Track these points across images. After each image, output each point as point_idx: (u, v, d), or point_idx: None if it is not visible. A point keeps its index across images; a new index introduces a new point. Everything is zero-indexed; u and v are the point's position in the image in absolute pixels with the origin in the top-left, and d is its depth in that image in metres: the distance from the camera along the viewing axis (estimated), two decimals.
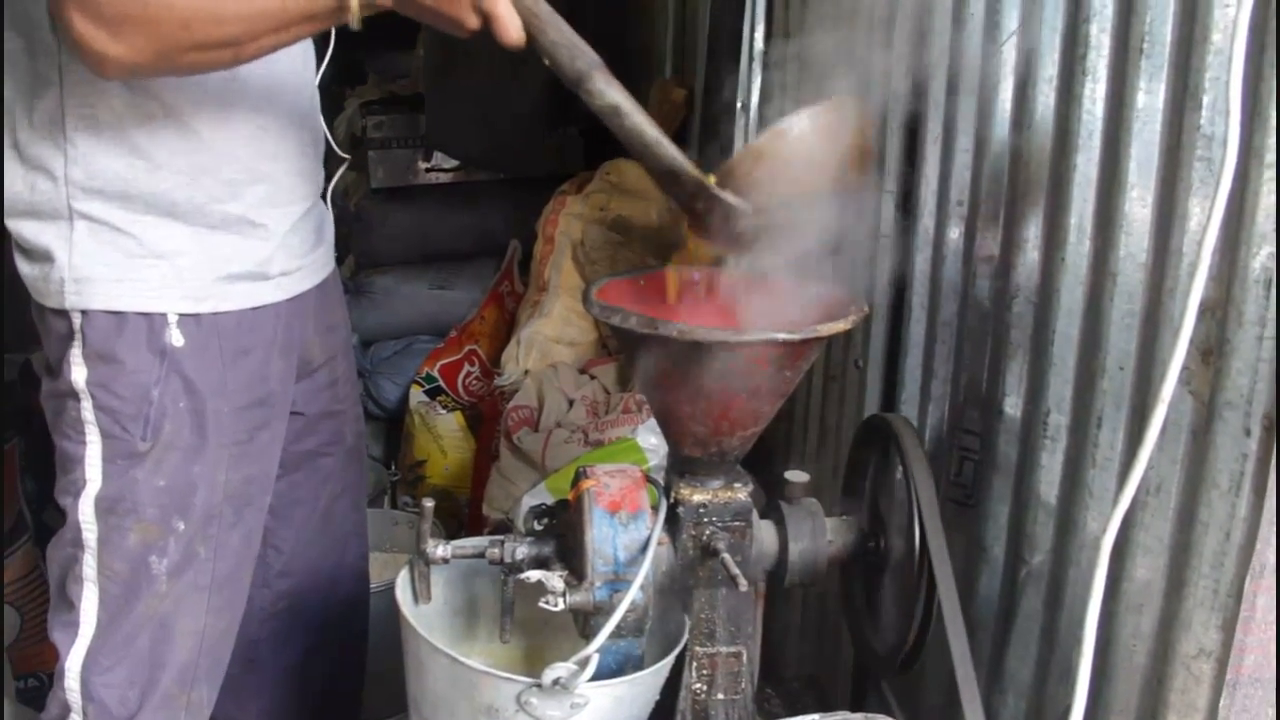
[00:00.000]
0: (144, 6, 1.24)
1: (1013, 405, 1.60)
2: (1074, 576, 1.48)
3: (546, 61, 1.31)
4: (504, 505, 2.43)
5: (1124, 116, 1.34)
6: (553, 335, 2.76)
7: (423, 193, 3.69)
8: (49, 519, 2.68)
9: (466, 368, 3.35)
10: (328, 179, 1.75)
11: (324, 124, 1.69)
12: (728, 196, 1.27)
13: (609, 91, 1.29)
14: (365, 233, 3.59)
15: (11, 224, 1.47)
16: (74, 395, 1.46)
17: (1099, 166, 1.41)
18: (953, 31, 1.70)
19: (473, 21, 1.28)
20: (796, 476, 1.56)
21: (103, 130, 1.41)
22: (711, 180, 1.28)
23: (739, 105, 2.52)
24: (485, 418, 3.09)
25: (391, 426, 3.53)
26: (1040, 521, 1.55)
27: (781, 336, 1.31)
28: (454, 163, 3.67)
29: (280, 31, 1.29)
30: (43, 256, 1.45)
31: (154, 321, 1.45)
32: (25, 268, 1.48)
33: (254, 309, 1.54)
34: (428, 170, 3.66)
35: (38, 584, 2.67)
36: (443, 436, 3.15)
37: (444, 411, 3.19)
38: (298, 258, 1.61)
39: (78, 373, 1.45)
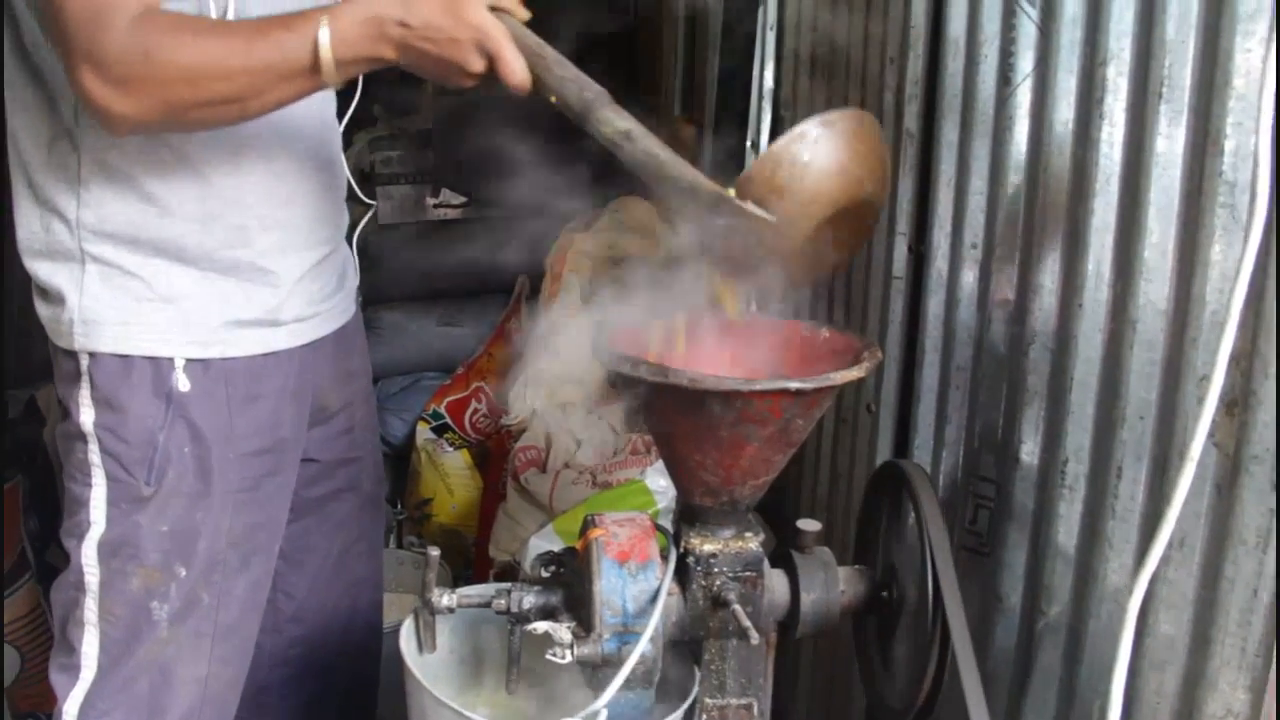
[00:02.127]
0: (151, 67, 1.24)
1: (1029, 453, 1.57)
2: (1094, 629, 1.45)
3: (552, 99, 1.30)
4: (511, 547, 2.41)
5: (1143, 161, 1.32)
6: (560, 374, 2.74)
7: (430, 228, 3.68)
8: (51, 558, 2.66)
9: (474, 405, 3.33)
10: (353, 223, 1.74)
11: (346, 167, 1.68)
12: (750, 207, 1.24)
13: (619, 118, 1.28)
14: (372, 268, 3.58)
15: (28, 263, 1.48)
16: (82, 437, 1.46)
17: (1117, 212, 1.38)
18: (965, 72, 1.68)
19: (477, 64, 1.27)
20: (808, 525, 1.53)
21: (115, 175, 1.41)
22: (731, 193, 1.25)
23: (749, 143, 2.51)
24: (492, 456, 3.06)
25: (398, 463, 3.50)
26: (1058, 572, 1.51)
27: (795, 385, 1.28)
28: (462, 199, 3.66)
29: (284, 84, 1.28)
30: (55, 297, 1.45)
31: (160, 366, 1.45)
32: (41, 307, 1.49)
33: (264, 355, 1.52)
34: (435, 206, 3.65)
35: (39, 623, 2.65)
36: (449, 475, 3.12)
37: (451, 449, 3.17)
38: (314, 304, 1.59)
39: (85, 415, 1.45)
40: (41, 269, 1.47)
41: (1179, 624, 1.29)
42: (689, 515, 1.47)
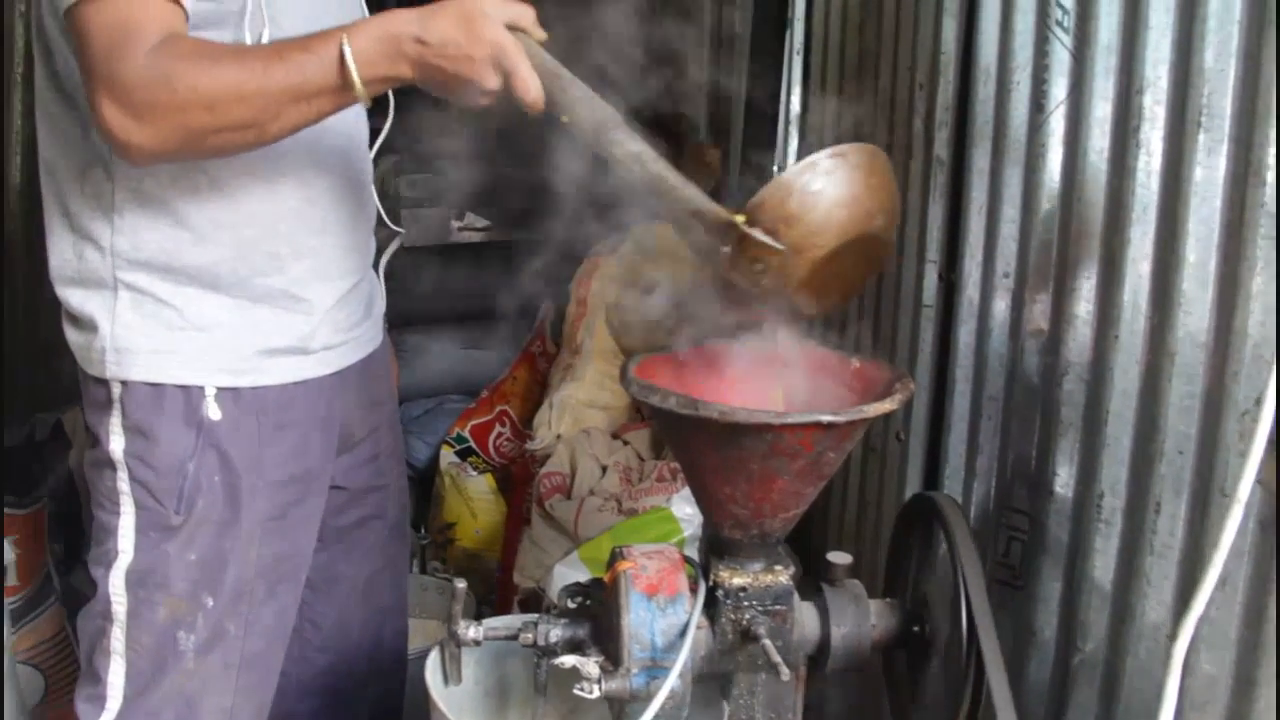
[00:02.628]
0: (171, 92, 1.24)
1: (1063, 485, 1.55)
2: (1131, 667, 1.42)
3: (565, 119, 1.29)
4: (535, 574, 2.39)
5: (1181, 191, 1.30)
6: (585, 399, 2.72)
7: (455, 251, 3.67)
8: (76, 581, 2.66)
9: (498, 428, 3.31)
10: (380, 250, 1.73)
11: (376, 195, 1.67)
12: (759, 234, 1.22)
13: (630, 141, 1.27)
14: (396, 291, 3.58)
15: (60, 290, 1.48)
16: (111, 465, 1.45)
17: (1154, 242, 1.36)
18: (997, 99, 1.66)
19: (492, 81, 1.27)
20: (839, 558, 1.51)
21: (149, 203, 1.41)
22: (741, 219, 1.23)
23: (775, 168, 2.49)
24: (516, 480, 3.05)
25: (421, 486, 3.49)
26: (1094, 607, 1.49)
27: (827, 418, 1.26)
28: (486, 222, 3.66)
29: (300, 105, 1.27)
30: (87, 325, 1.45)
31: (191, 394, 1.44)
32: (72, 334, 1.49)
33: (295, 384, 1.52)
34: (460, 229, 3.65)
35: (63, 647, 2.65)
36: (473, 499, 3.11)
37: (475, 473, 3.15)
38: (343, 332, 1.59)
39: (115, 442, 1.44)
40: (73, 296, 1.47)
41: (1221, 664, 1.27)
42: (718, 548, 1.45)
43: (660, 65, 3.60)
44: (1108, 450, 1.45)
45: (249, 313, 1.48)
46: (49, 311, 1.54)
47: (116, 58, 1.24)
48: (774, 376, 1.52)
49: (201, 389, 1.45)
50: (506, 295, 3.61)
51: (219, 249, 1.44)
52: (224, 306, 1.46)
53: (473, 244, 3.69)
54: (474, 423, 3.32)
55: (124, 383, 1.44)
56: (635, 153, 1.27)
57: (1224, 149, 1.26)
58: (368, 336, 1.68)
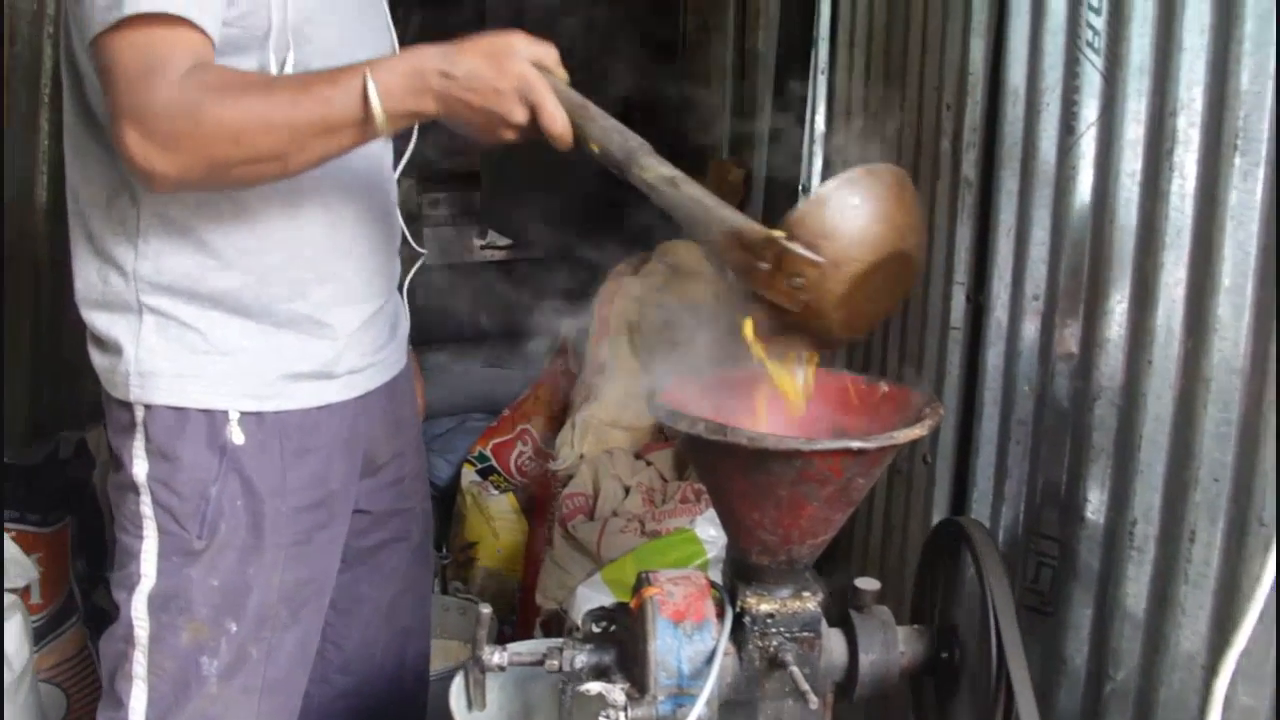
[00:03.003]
0: (197, 123, 1.23)
1: (1094, 511, 1.53)
2: (1165, 697, 1.39)
3: (595, 149, 1.29)
4: (558, 595, 2.38)
5: (1216, 214, 1.29)
6: (608, 419, 2.71)
7: (477, 270, 3.68)
8: (99, 600, 2.66)
9: (519, 447, 3.31)
10: (404, 272, 1.73)
11: (400, 218, 1.67)
12: (799, 248, 1.20)
13: (662, 165, 1.27)
14: (418, 309, 3.59)
15: (85, 314, 1.49)
16: (134, 489, 1.45)
17: (1188, 266, 1.34)
18: (1026, 120, 1.65)
19: (519, 114, 1.27)
20: (867, 584, 1.49)
21: (173, 227, 1.41)
22: (781, 235, 1.21)
23: (800, 188, 2.48)
24: (538, 499, 3.04)
25: (442, 505, 3.49)
26: (1126, 636, 1.46)
27: (857, 445, 1.25)
28: (508, 240, 3.67)
29: (325, 138, 1.27)
30: (112, 348, 1.45)
31: (215, 418, 1.44)
32: (96, 357, 1.49)
33: (319, 408, 1.51)
34: (482, 248, 3.66)
35: (85, 665, 2.65)
36: (495, 518, 3.10)
37: (496, 492, 3.15)
38: (367, 356, 1.58)
39: (139, 466, 1.44)
40: (98, 320, 1.47)
41: (1260, 697, 1.24)
42: (745, 573, 1.43)
43: (684, 83, 3.61)
44: (1141, 477, 1.42)
45: (273, 337, 1.47)
46: (73, 330, 1.54)
47: (142, 88, 1.24)
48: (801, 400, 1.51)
49: (225, 413, 1.45)
50: (528, 313, 3.63)
51: (243, 274, 1.44)
52: (248, 331, 1.46)
53: (495, 262, 3.70)
54: (495, 441, 3.32)
55: (148, 406, 1.44)
56: (668, 176, 1.27)
57: (1260, 172, 1.24)
58: (393, 359, 1.67)
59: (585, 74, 3.28)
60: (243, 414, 1.46)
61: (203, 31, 1.28)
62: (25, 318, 2.75)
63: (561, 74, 1.32)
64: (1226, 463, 1.29)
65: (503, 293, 3.65)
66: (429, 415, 3.53)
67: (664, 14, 3.26)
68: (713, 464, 1.35)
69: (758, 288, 1.22)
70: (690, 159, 3.66)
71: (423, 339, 3.74)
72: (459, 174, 3.82)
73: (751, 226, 1.23)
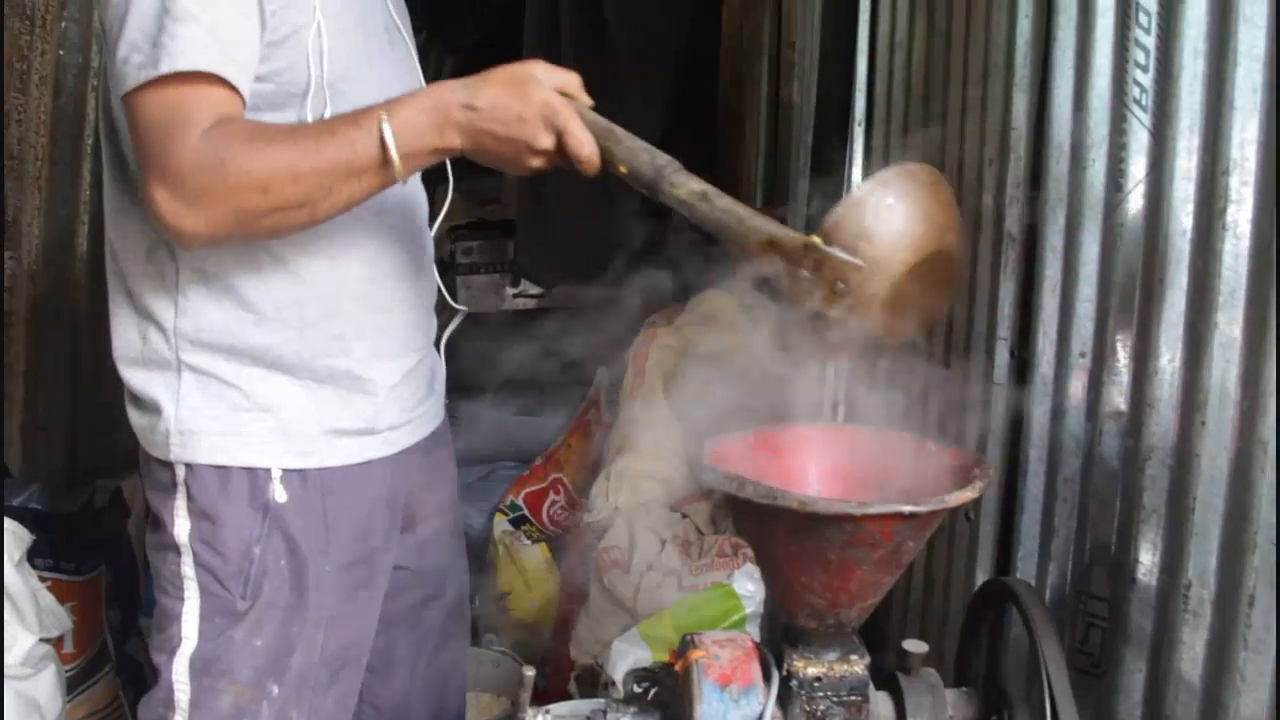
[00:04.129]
0: (224, 177, 1.24)
1: (1146, 573, 1.50)
2: None
3: (623, 170, 1.29)
4: (593, 649, 2.35)
5: (1271, 275, 1.27)
6: (643, 471, 2.70)
7: (509, 318, 3.69)
8: (132, 650, 2.66)
9: (551, 496, 3.30)
10: (441, 327, 1.72)
11: (437, 274, 1.67)
12: (838, 253, 1.19)
13: (692, 181, 1.27)
14: (450, 357, 3.59)
15: (123, 371, 1.48)
16: (175, 549, 1.44)
17: (1243, 327, 1.32)
18: (1071, 176, 1.64)
19: (546, 140, 1.27)
20: (915, 646, 1.46)
21: (213, 283, 1.41)
22: (819, 241, 1.20)
23: None
24: (571, 549, 3.02)
25: (474, 554, 3.47)
26: (1182, 702, 1.43)
27: (908, 509, 1.23)
28: (541, 289, 3.68)
29: (351, 181, 1.27)
30: (151, 407, 1.45)
31: (258, 476, 1.43)
32: (135, 416, 1.49)
33: (360, 464, 1.51)
34: (515, 296, 3.67)
35: (117, 716, 2.64)
36: (528, 569, 3.08)
37: (529, 543, 3.13)
38: (407, 411, 1.58)
39: (180, 526, 1.43)
40: (136, 378, 1.46)
41: None
42: (791, 636, 1.41)
43: (718, 132, 3.61)
44: (1195, 539, 1.40)
45: (314, 393, 1.47)
46: (110, 379, 1.54)
47: (169, 144, 1.25)
48: (846, 460, 1.49)
49: (268, 471, 1.44)
50: (561, 362, 3.62)
51: (283, 329, 1.44)
52: (289, 387, 1.46)
53: (527, 310, 3.70)
54: (528, 490, 3.31)
55: (189, 465, 1.43)
56: (699, 191, 1.27)
57: None
58: (431, 414, 1.67)
59: (620, 110, 3.30)
60: (285, 471, 1.45)
61: (233, 88, 1.29)
62: (64, 366, 2.76)
63: (585, 100, 1.33)
64: None
65: (535, 341, 3.64)
66: (461, 463, 3.54)
67: (699, 63, 3.27)
68: (761, 527, 1.34)
69: (800, 296, 1.21)
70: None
71: (455, 387, 3.74)
72: (491, 223, 3.84)
73: (788, 234, 1.22)
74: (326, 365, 1.47)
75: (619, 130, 1.30)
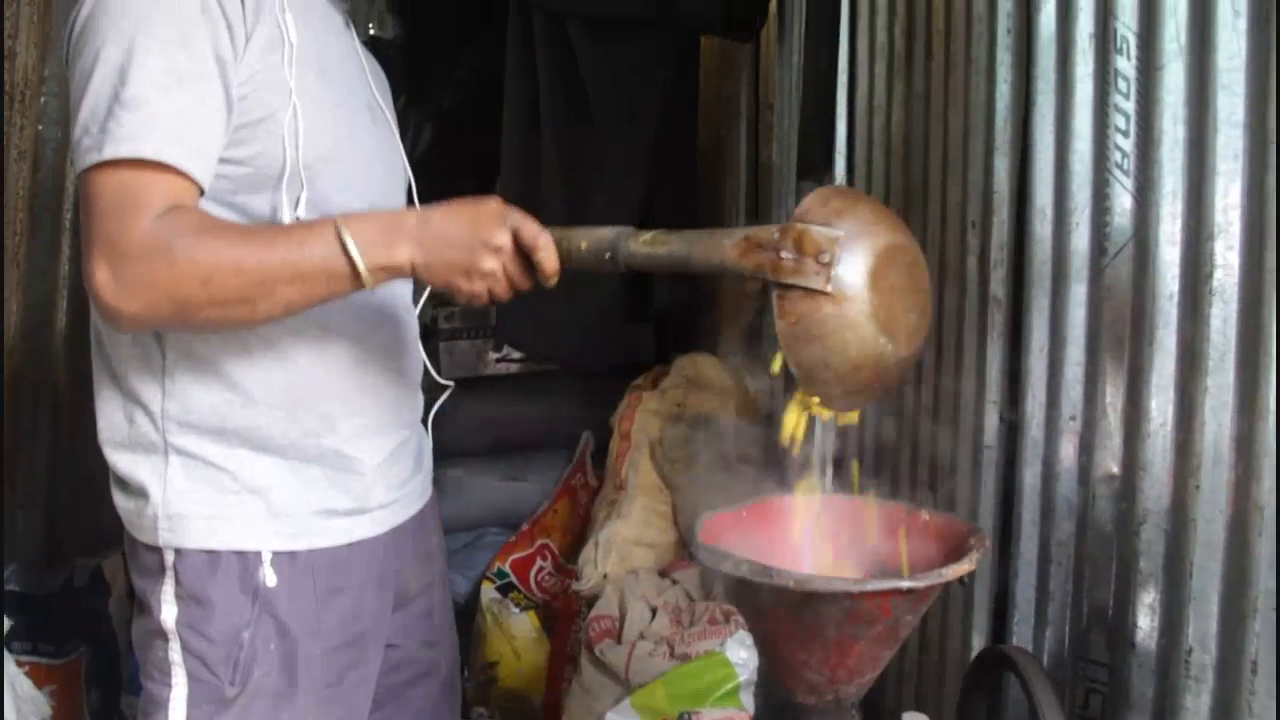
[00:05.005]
0: (170, 264, 1.23)
1: (1145, 637, 1.49)
2: None
3: (583, 246, 1.29)
4: None
5: (1262, 340, 1.27)
6: (632, 537, 2.67)
7: (492, 383, 3.67)
8: None
9: (539, 562, 3.26)
10: (428, 402, 1.71)
11: (423, 351, 1.66)
12: (816, 226, 1.17)
13: (645, 233, 1.27)
14: (435, 427, 3.57)
15: (108, 455, 1.45)
16: (163, 635, 1.41)
17: (1234, 391, 1.33)
18: (1055, 239, 1.64)
19: (500, 237, 1.27)
20: (915, 719, 1.45)
21: (201, 364, 1.40)
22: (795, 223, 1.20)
23: None
24: (560, 617, 2.99)
25: (461, 622, 3.43)
26: None
27: (906, 584, 1.22)
28: (522, 354, 3.67)
29: (296, 284, 1.26)
30: (138, 491, 1.42)
31: (247, 560, 1.41)
32: (120, 500, 1.46)
33: (350, 545, 1.48)
34: (497, 361, 3.65)
35: None
36: (516, 637, 3.04)
37: (517, 610, 3.09)
38: (395, 489, 1.56)
39: (168, 612, 1.40)
40: (122, 461, 1.44)
41: None
42: (790, 713, 1.39)
43: (699, 192, 3.61)
44: (1194, 604, 1.39)
45: (302, 473, 1.45)
46: (90, 454, 1.51)
47: (118, 225, 1.23)
48: (840, 530, 1.48)
49: (258, 554, 1.41)
50: (545, 427, 3.60)
51: (271, 411, 1.42)
52: (277, 468, 1.44)
53: (510, 375, 3.68)
54: (515, 557, 3.28)
55: (178, 550, 1.41)
56: (658, 236, 1.27)
57: None
58: (419, 491, 1.65)
59: (600, 177, 3.29)
60: (275, 554, 1.42)
61: (190, 178, 1.28)
62: (43, 443, 2.73)
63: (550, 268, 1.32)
64: None
65: (518, 406, 3.63)
66: (446, 530, 3.50)
67: (679, 127, 3.29)
68: (757, 604, 1.32)
69: (788, 277, 1.18)
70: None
71: (438, 453, 3.72)
72: None
73: (766, 229, 1.21)
74: (315, 445, 1.45)
75: (570, 231, 1.31)
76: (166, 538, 1.40)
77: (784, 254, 1.18)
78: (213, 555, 1.40)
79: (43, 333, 2.72)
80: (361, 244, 1.26)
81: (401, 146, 1.63)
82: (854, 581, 1.23)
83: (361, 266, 1.26)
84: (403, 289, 1.60)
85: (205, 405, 1.41)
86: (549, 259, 1.28)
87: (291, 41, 1.38)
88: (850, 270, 1.18)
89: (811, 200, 1.22)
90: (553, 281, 1.30)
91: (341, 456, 1.47)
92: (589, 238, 1.29)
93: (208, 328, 1.35)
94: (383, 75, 1.67)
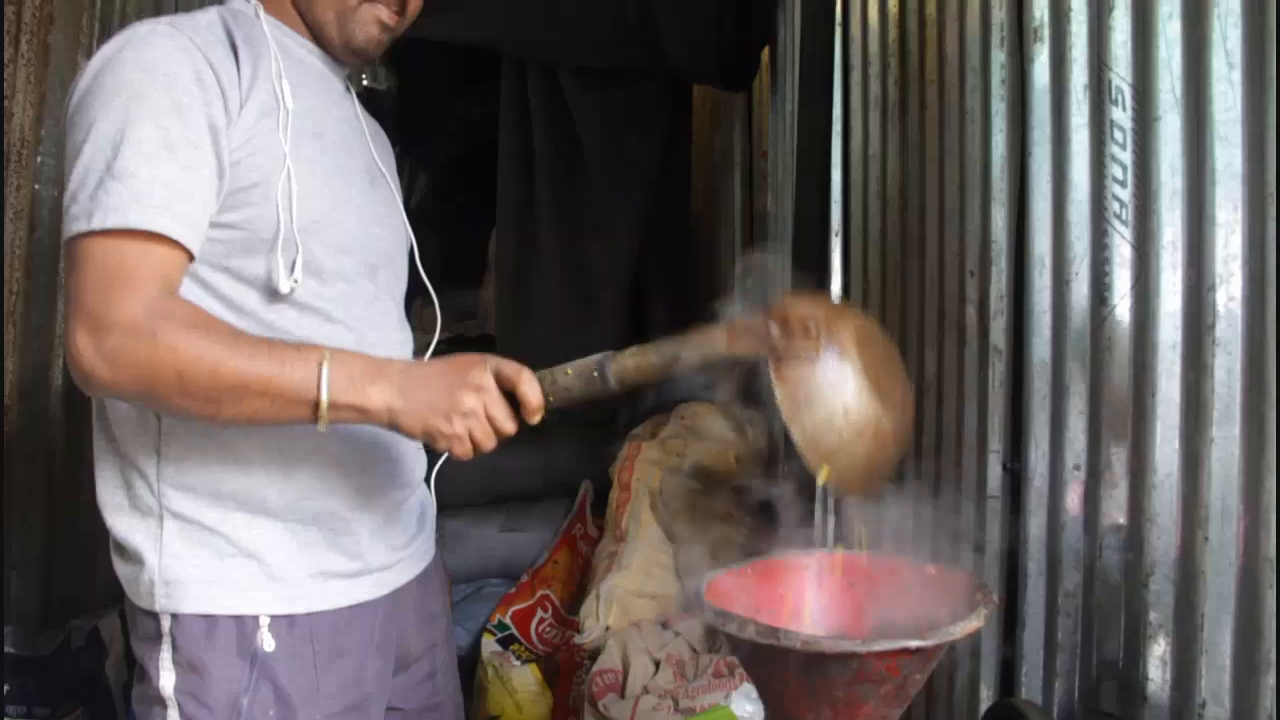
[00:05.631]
0: (152, 350, 1.23)
1: (1158, 689, 1.47)
2: None
3: (569, 373, 1.29)
4: None
5: (1267, 391, 1.26)
6: (634, 589, 2.65)
7: None
8: None
9: (540, 613, 3.24)
10: (431, 462, 1.70)
11: None
12: (797, 302, 1.25)
13: (625, 356, 1.28)
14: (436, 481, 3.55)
15: (107, 519, 1.44)
16: (161, 702, 1.39)
17: (1241, 442, 1.32)
18: (1054, 289, 1.64)
19: (480, 376, 1.27)
20: None
21: (194, 429, 1.39)
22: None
23: None
24: (562, 669, 2.96)
25: (461, 675, 3.39)
26: None
27: (915, 644, 1.20)
28: None
29: (265, 399, 1.26)
30: (134, 556, 1.41)
31: (245, 625, 1.39)
32: (119, 564, 1.45)
33: (349, 608, 1.46)
34: None
35: None
36: (518, 691, 3.00)
37: (519, 663, 3.06)
38: (397, 550, 1.54)
39: (166, 678, 1.39)
40: (120, 525, 1.43)
41: None
42: None
43: (695, 243, 3.61)
44: (1206, 656, 1.37)
45: (299, 536, 1.44)
46: (87, 513, 1.51)
47: (106, 298, 1.24)
48: (845, 586, 1.47)
49: (255, 618, 1.40)
50: (544, 477, 3.58)
51: (267, 473, 1.41)
52: (274, 531, 1.42)
53: None
54: (515, 608, 3.25)
55: (174, 615, 1.39)
56: (642, 348, 1.29)
57: None
58: (422, 552, 1.63)
59: (595, 227, 3.29)
60: (273, 618, 1.41)
61: (178, 245, 1.29)
62: (39, 503, 2.71)
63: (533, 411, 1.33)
64: None
65: (517, 456, 3.60)
66: None
67: (673, 178, 3.30)
68: (765, 665, 1.30)
69: (779, 351, 1.23)
70: (703, 318, 3.69)
71: (438, 505, 3.69)
72: (470, 339, 3.82)
73: (747, 315, 1.27)
74: (311, 507, 1.44)
75: (551, 370, 1.32)
76: (163, 603, 1.39)
77: (774, 331, 1.23)
78: (210, 620, 1.38)
79: (40, 393, 2.71)
80: (338, 378, 1.26)
81: (403, 211, 1.63)
82: (861, 642, 1.21)
83: (324, 400, 1.26)
84: (401, 342, 1.59)
85: (200, 469, 1.40)
86: (532, 393, 1.29)
87: (288, 107, 1.39)
88: (835, 337, 1.25)
89: (787, 300, 1.27)
90: (536, 418, 1.31)
91: (339, 519, 1.46)
92: (573, 366, 1.30)
93: (170, 413, 1.36)
94: (385, 139, 1.68)
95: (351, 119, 1.57)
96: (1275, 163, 1.25)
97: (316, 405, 1.26)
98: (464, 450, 1.30)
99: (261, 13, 1.48)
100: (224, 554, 1.40)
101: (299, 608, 1.43)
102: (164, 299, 1.26)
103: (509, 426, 1.30)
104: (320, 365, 1.26)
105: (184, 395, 1.25)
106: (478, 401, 1.28)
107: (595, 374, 1.29)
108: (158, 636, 1.40)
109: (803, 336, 1.22)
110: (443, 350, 1.69)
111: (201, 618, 1.39)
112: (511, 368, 1.29)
